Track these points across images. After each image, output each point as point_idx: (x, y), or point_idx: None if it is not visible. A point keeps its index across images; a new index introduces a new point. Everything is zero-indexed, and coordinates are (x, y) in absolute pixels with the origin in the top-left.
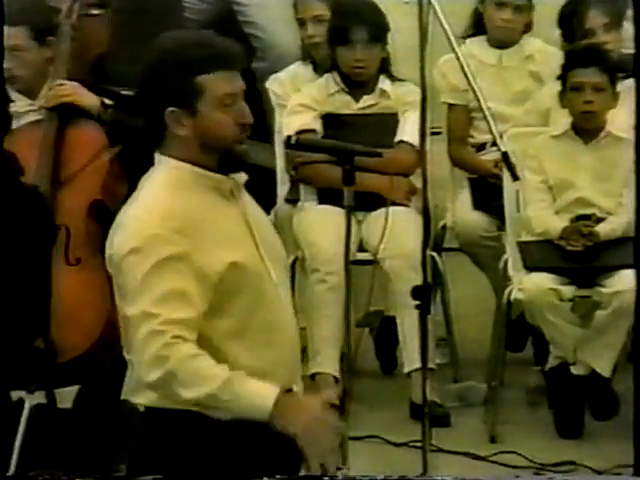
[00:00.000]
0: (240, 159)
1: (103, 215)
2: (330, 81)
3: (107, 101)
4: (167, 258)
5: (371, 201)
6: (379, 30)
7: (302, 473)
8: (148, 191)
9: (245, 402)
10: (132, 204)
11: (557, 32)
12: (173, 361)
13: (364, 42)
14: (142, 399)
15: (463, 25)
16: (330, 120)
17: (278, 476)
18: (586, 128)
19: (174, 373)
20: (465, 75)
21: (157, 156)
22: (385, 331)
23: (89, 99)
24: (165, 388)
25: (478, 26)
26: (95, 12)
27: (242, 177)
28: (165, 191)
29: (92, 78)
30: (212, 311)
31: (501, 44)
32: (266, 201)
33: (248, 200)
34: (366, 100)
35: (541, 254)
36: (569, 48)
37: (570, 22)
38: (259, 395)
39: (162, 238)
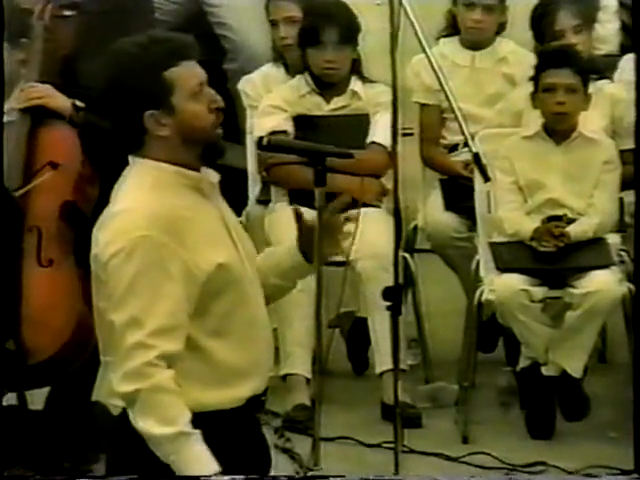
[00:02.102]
0: (219, 145)
1: (75, 217)
2: (301, 82)
3: (78, 103)
4: (156, 260)
5: None
6: (350, 31)
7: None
8: (130, 191)
9: (180, 463)
10: (116, 204)
11: (530, 33)
12: (147, 383)
13: (335, 43)
14: (121, 402)
15: (436, 26)
16: (301, 121)
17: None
18: (558, 129)
19: (141, 396)
20: (436, 76)
21: (132, 158)
22: (357, 332)
23: (60, 101)
24: (128, 405)
25: (454, 27)
26: (67, 13)
27: (215, 176)
28: (148, 191)
29: (61, 79)
30: (196, 311)
31: (474, 45)
32: (237, 202)
33: (222, 200)
34: (337, 101)
35: (512, 255)
36: (542, 49)
37: (541, 24)
38: (196, 464)
39: (151, 240)
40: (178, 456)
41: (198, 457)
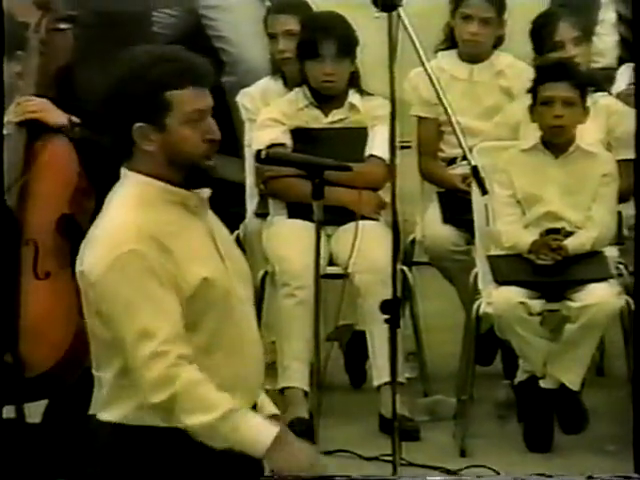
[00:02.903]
0: (207, 174)
1: (72, 229)
2: (300, 95)
3: (74, 119)
4: (149, 271)
5: (340, 215)
6: (348, 44)
7: None
8: (117, 207)
9: (243, 437)
10: (102, 220)
11: (529, 46)
12: (178, 384)
13: (333, 56)
14: (111, 416)
15: (434, 39)
16: (300, 134)
17: None
18: (555, 142)
19: (178, 397)
20: (434, 89)
21: (123, 171)
22: (355, 345)
23: (56, 116)
24: (167, 411)
25: (451, 40)
26: (63, 27)
27: (206, 192)
28: (135, 207)
29: (57, 92)
30: (185, 328)
31: (472, 58)
32: (235, 215)
33: (212, 216)
34: (335, 114)
35: (510, 268)
36: (540, 62)
37: (541, 35)
38: (258, 432)
39: (140, 253)
40: (237, 432)
41: (257, 426)
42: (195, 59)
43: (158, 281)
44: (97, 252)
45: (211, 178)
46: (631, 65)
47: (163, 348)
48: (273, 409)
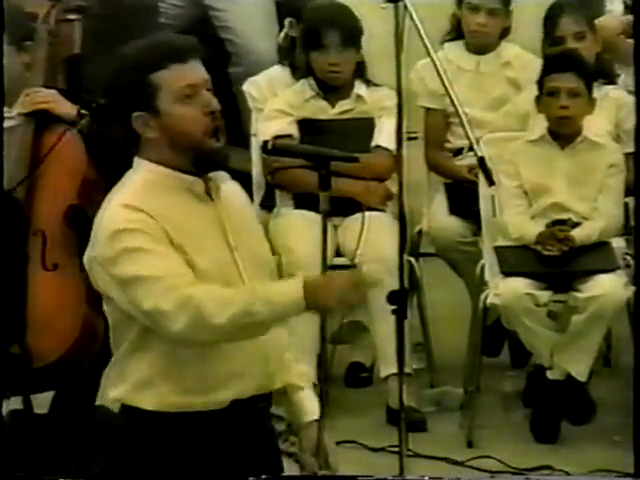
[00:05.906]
0: (215, 156)
1: (80, 220)
2: (306, 86)
3: (83, 110)
4: (146, 234)
5: (347, 206)
6: (352, 34)
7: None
8: (119, 193)
9: (278, 303)
10: (108, 206)
11: (536, 37)
12: (196, 298)
13: (338, 46)
14: (116, 392)
15: (440, 30)
16: (306, 125)
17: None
18: (562, 133)
19: (201, 307)
20: (441, 80)
21: (135, 159)
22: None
23: (65, 108)
24: (196, 325)
25: (457, 31)
26: (72, 17)
27: (224, 177)
28: (135, 192)
29: (66, 83)
30: None
31: (478, 49)
32: None
33: (230, 202)
34: (342, 105)
35: (517, 259)
36: (547, 54)
37: (545, 28)
38: (289, 291)
39: (139, 224)
40: (270, 303)
41: (283, 286)
42: (172, 37)
43: (156, 242)
44: (100, 235)
45: (220, 161)
46: None
47: (172, 282)
48: (309, 413)
